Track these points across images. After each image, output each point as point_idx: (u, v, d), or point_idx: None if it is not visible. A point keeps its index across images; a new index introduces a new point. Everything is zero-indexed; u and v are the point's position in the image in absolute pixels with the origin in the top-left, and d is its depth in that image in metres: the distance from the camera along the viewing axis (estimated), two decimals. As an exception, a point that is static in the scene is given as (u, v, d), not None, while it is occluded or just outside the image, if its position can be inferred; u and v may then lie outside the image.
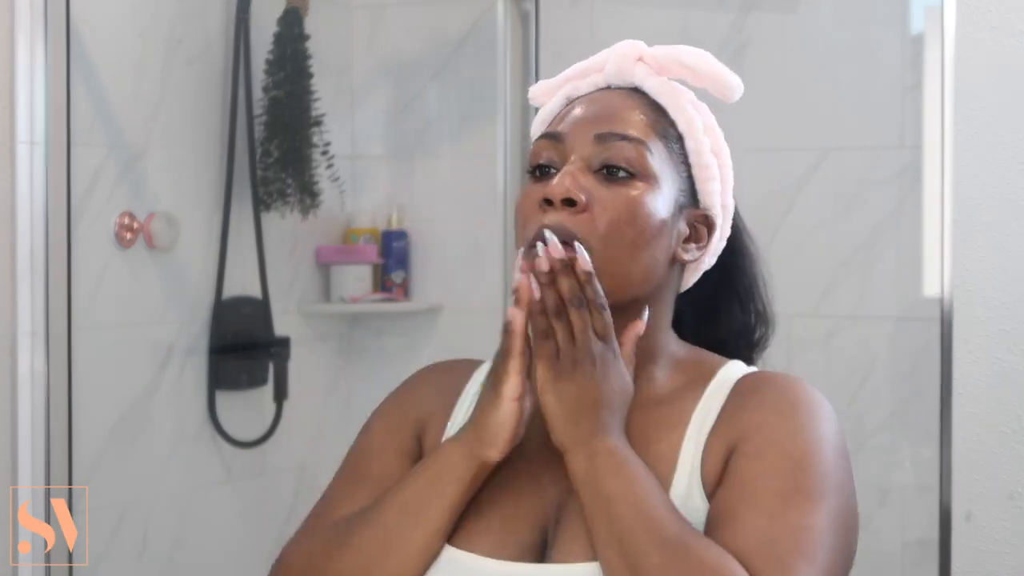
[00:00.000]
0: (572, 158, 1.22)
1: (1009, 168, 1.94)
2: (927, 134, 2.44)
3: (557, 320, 1.15)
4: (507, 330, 1.18)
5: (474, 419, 1.22)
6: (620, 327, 1.21)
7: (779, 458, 1.16)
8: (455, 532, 1.22)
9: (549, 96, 1.34)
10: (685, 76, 1.28)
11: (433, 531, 1.21)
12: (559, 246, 1.15)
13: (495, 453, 1.20)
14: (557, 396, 1.16)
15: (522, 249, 1.20)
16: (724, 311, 1.36)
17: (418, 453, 1.32)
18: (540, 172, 1.25)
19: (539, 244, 1.16)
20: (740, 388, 1.24)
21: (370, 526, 1.23)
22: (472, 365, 1.37)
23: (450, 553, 1.21)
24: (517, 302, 1.17)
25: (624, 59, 1.29)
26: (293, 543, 1.30)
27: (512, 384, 1.19)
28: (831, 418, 1.22)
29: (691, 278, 1.31)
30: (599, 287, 1.16)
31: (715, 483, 1.18)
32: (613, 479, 1.14)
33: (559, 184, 1.20)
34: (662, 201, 1.23)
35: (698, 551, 1.10)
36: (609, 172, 1.22)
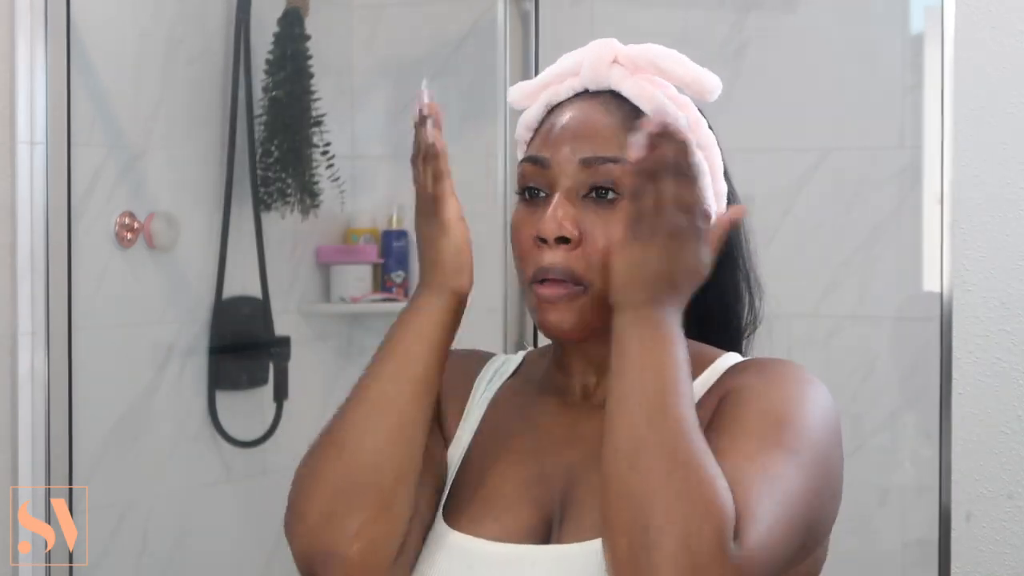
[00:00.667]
0: (559, 189, 1.23)
1: (1009, 168, 1.94)
2: (927, 134, 2.44)
3: (650, 183, 1.13)
4: (430, 153, 1.23)
5: (428, 257, 1.25)
6: None
7: (761, 411, 1.16)
8: (459, 517, 1.23)
9: (529, 100, 1.34)
10: (658, 76, 1.28)
11: (422, 377, 1.23)
12: (668, 110, 1.15)
13: (464, 279, 1.24)
14: (627, 258, 1.14)
15: None
16: (713, 287, 1.36)
17: (437, 423, 1.32)
18: (529, 194, 1.26)
19: (652, 109, 1.16)
20: (733, 367, 1.25)
21: (358, 396, 1.24)
22: (484, 355, 1.39)
23: (454, 537, 1.22)
24: (426, 123, 1.21)
25: (599, 62, 1.28)
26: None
27: (452, 206, 1.23)
28: (819, 389, 1.22)
29: None
30: (694, 161, 1.14)
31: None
32: (646, 349, 1.12)
33: (551, 220, 1.21)
34: None
35: (702, 455, 1.08)
36: (599, 195, 1.23)
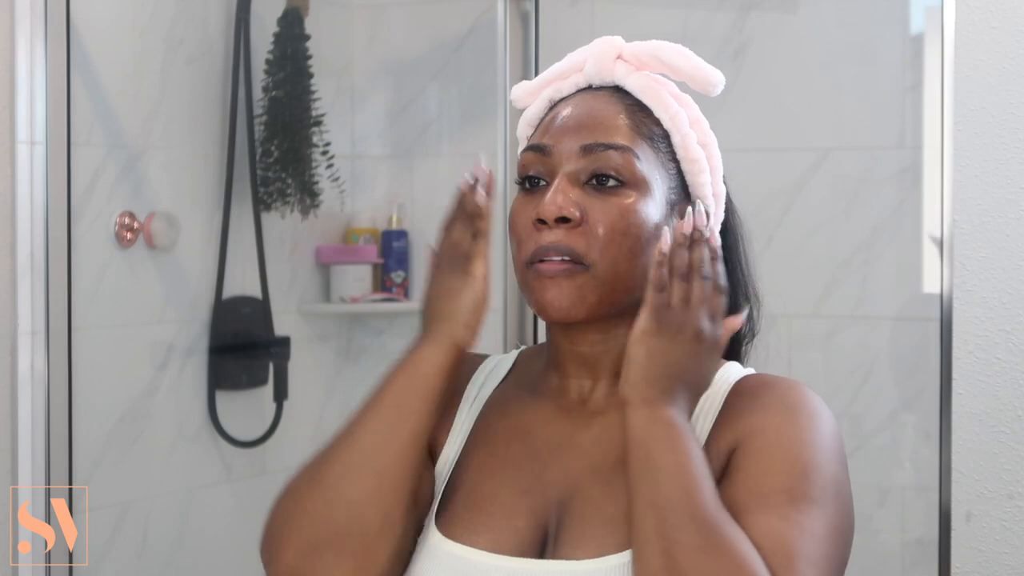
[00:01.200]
0: (560, 173, 1.23)
1: (1009, 168, 1.94)
2: (927, 134, 2.44)
3: (681, 280, 1.17)
4: (478, 214, 1.24)
5: (443, 309, 1.24)
6: (622, 333, 1.22)
7: (784, 461, 1.16)
8: (454, 526, 1.22)
9: (532, 97, 1.34)
10: (664, 72, 1.28)
11: (415, 429, 1.21)
12: (704, 217, 1.18)
13: (470, 335, 1.23)
14: (647, 349, 1.16)
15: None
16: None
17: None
18: (529, 183, 1.26)
19: (689, 208, 1.19)
20: (739, 390, 1.24)
21: (347, 439, 1.22)
22: (479, 358, 1.37)
23: (449, 547, 1.21)
24: (477, 188, 1.24)
25: (603, 58, 1.29)
26: (282, 489, 1.30)
27: (483, 264, 1.23)
28: (831, 422, 1.22)
29: None
30: (722, 271, 1.18)
31: (721, 481, 1.18)
32: (667, 449, 1.13)
33: (551, 203, 1.21)
34: (653, 206, 1.24)
35: (731, 537, 1.10)
36: (599, 182, 1.23)
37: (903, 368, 2.56)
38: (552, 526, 1.21)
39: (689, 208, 1.19)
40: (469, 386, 1.33)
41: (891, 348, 2.59)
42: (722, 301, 1.18)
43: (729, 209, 1.34)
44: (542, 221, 1.21)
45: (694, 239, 1.17)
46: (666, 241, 1.17)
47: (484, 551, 1.19)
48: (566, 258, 1.20)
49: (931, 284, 2.31)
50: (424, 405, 1.22)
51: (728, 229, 1.34)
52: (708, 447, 1.20)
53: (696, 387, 1.18)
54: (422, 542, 1.24)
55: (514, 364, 1.36)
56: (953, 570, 1.95)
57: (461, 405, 1.32)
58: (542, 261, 1.21)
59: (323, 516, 1.20)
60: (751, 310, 1.36)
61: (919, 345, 2.45)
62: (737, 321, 1.21)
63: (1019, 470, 1.93)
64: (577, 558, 1.16)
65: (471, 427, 1.30)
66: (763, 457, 1.17)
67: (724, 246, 1.33)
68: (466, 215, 1.25)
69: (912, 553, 2.49)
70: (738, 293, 1.34)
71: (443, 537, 1.22)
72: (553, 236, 1.20)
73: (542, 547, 1.20)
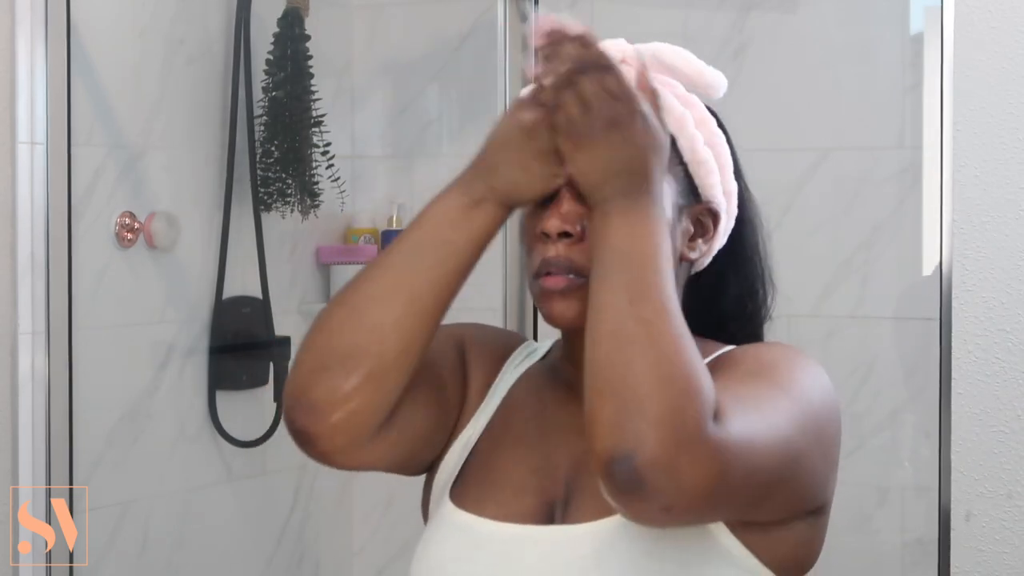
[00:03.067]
0: (564, 187, 1.23)
1: (1009, 168, 1.94)
2: (927, 134, 2.44)
3: (565, 89, 1.12)
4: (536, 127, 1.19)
5: (491, 148, 1.27)
6: None
7: (752, 360, 1.20)
8: (464, 496, 1.25)
9: None
10: (666, 75, 1.29)
11: (452, 269, 1.23)
12: (551, 20, 1.14)
13: (528, 191, 1.21)
14: (581, 167, 1.15)
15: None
16: (732, 280, 1.36)
17: (462, 368, 1.33)
18: (543, 236, 1.26)
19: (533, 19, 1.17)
20: (732, 350, 1.27)
21: (382, 265, 1.25)
22: (519, 340, 1.41)
23: (458, 516, 1.24)
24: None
25: None
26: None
27: (531, 109, 1.17)
28: (816, 365, 1.23)
29: (703, 261, 1.32)
30: (600, 48, 1.14)
31: None
32: (629, 235, 1.13)
33: (554, 217, 1.22)
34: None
35: (686, 338, 1.09)
36: None
37: (903, 368, 2.56)
38: (559, 501, 1.24)
39: (543, 18, 1.16)
40: (507, 364, 1.36)
41: (891, 348, 2.59)
42: (616, 74, 1.12)
43: (744, 200, 1.35)
44: (546, 235, 1.23)
45: (557, 41, 1.13)
46: (531, 66, 1.15)
47: (493, 520, 1.23)
48: (568, 274, 1.22)
49: (931, 284, 2.31)
50: (464, 250, 1.24)
51: (743, 220, 1.35)
52: None
53: (648, 161, 1.14)
54: (436, 512, 1.28)
55: (548, 352, 1.39)
56: (953, 570, 1.95)
57: (496, 381, 1.34)
58: (548, 274, 1.23)
59: (344, 334, 1.20)
60: (766, 297, 1.38)
61: (919, 345, 2.45)
62: (645, 76, 1.18)
63: (1019, 469, 1.93)
64: (579, 522, 1.20)
65: (497, 406, 1.33)
66: (731, 368, 1.19)
67: (739, 237, 1.34)
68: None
69: (912, 553, 2.49)
70: (756, 282, 1.36)
71: (455, 508, 1.25)
72: (555, 251, 1.22)
73: (548, 519, 1.23)
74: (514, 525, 1.22)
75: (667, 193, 1.25)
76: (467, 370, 1.34)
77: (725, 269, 1.35)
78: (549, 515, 1.23)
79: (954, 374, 1.95)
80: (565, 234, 1.22)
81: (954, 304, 1.95)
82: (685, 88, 1.29)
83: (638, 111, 1.13)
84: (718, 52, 2.59)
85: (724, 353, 1.26)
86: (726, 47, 2.60)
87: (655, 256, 1.12)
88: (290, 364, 1.26)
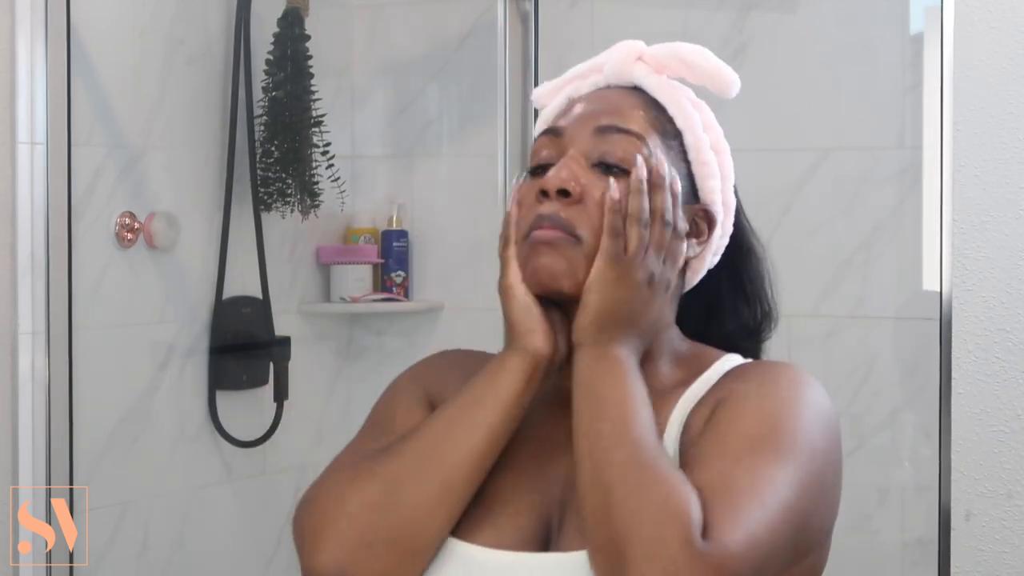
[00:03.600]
0: (570, 151, 1.23)
1: (1009, 168, 1.94)
2: (927, 134, 2.44)
3: (637, 226, 1.18)
4: (505, 221, 1.25)
5: (505, 324, 1.25)
6: None
7: (754, 416, 1.17)
8: (460, 524, 1.22)
9: (551, 97, 1.35)
10: (684, 73, 1.29)
11: (484, 435, 1.20)
12: (664, 162, 1.21)
13: (539, 340, 1.22)
14: (602, 296, 1.18)
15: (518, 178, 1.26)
16: (730, 310, 1.37)
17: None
18: (540, 171, 1.26)
19: (638, 157, 1.21)
20: (731, 371, 1.26)
21: (417, 436, 1.22)
22: (485, 356, 1.36)
23: (453, 545, 1.21)
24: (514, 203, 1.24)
25: (624, 59, 1.30)
26: (318, 480, 1.26)
27: (514, 270, 1.23)
28: (816, 390, 1.21)
29: (694, 277, 1.31)
30: (682, 217, 1.21)
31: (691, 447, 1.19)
32: (610, 384, 1.16)
33: (555, 175, 1.21)
34: None
35: (664, 467, 1.10)
36: (606, 168, 1.23)
37: (903, 368, 2.56)
38: (555, 522, 1.22)
39: (640, 157, 1.21)
40: None
41: (891, 348, 2.59)
42: (680, 246, 1.21)
43: (743, 224, 1.35)
44: (544, 193, 1.22)
45: (654, 183, 1.20)
46: (615, 189, 1.19)
47: (487, 547, 1.20)
48: (562, 231, 1.21)
49: (931, 284, 2.31)
50: (493, 414, 1.21)
51: (742, 247, 1.35)
52: (690, 418, 1.21)
53: (648, 331, 1.21)
54: None
55: None
56: (953, 570, 1.95)
57: None
58: (540, 228, 1.21)
59: (384, 510, 1.19)
60: (764, 324, 1.37)
61: (919, 345, 2.45)
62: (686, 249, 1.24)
63: (1019, 469, 1.93)
64: (573, 549, 1.17)
65: None
66: (732, 415, 1.17)
67: (737, 262, 1.34)
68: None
69: (912, 553, 2.49)
70: (757, 312, 1.36)
71: (447, 537, 1.22)
72: (551, 207, 1.21)
73: (546, 542, 1.21)
74: (510, 553, 1.19)
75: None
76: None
77: (732, 301, 1.35)
78: (545, 537, 1.21)
79: (954, 374, 1.95)
80: (564, 193, 1.21)
81: (954, 304, 1.95)
82: (701, 86, 1.30)
83: (670, 287, 1.22)
84: (718, 52, 2.56)
85: (728, 377, 1.24)
86: (726, 47, 2.60)
87: (633, 404, 1.15)
88: (310, 513, 1.22)
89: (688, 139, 1.27)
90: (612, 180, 1.19)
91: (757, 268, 1.37)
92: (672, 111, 1.28)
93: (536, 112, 1.39)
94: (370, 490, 1.20)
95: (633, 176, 1.20)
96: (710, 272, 1.32)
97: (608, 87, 1.31)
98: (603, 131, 1.23)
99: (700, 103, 1.31)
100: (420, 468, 1.20)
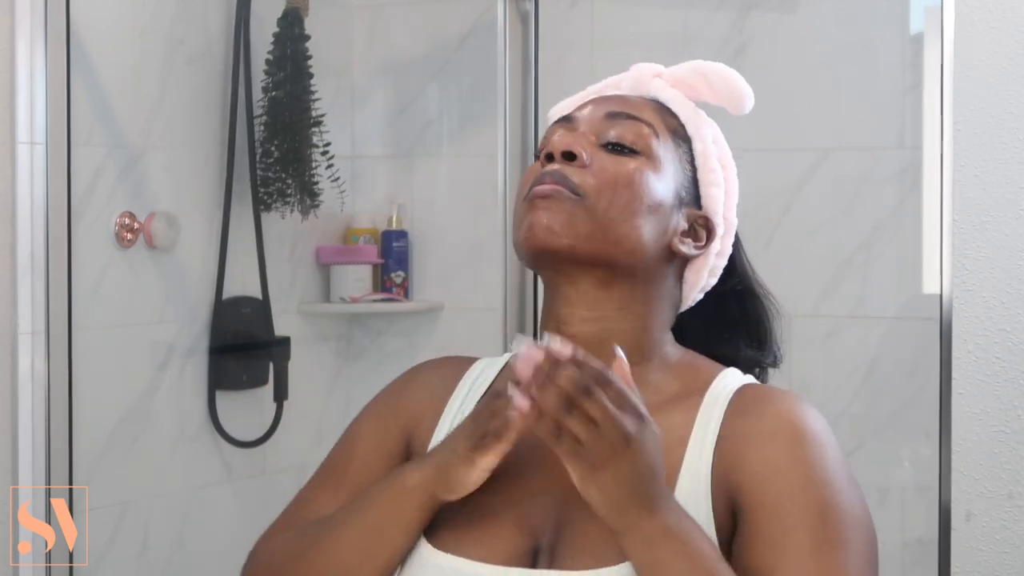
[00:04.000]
0: (581, 129, 1.23)
1: (1009, 168, 1.94)
2: (927, 134, 2.44)
3: (568, 416, 1.06)
4: (508, 421, 1.13)
5: (443, 462, 1.18)
6: (611, 315, 1.22)
7: (801, 511, 1.14)
8: (444, 536, 1.21)
9: (568, 111, 1.35)
10: (702, 86, 1.31)
11: (390, 555, 1.21)
12: (537, 346, 1.07)
13: (453, 498, 1.19)
14: (600, 488, 1.09)
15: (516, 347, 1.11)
16: (733, 348, 1.36)
17: (405, 455, 1.30)
18: (547, 160, 1.25)
19: (515, 353, 1.08)
20: (739, 402, 1.23)
21: (330, 541, 1.23)
22: (465, 363, 1.34)
23: (440, 559, 1.19)
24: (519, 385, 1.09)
25: (642, 75, 1.33)
26: (264, 538, 1.31)
27: (490, 461, 1.15)
28: (835, 446, 1.20)
29: (691, 293, 1.31)
30: (595, 363, 1.08)
31: (722, 496, 1.17)
32: (672, 561, 1.10)
33: (561, 140, 1.21)
34: (663, 184, 1.24)
35: None
36: (614, 148, 1.23)
37: (903, 368, 2.56)
38: (546, 536, 1.19)
39: (524, 345, 1.08)
40: (454, 394, 1.31)
41: (891, 348, 2.59)
42: (618, 386, 1.07)
43: (744, 261, 1.36)
44: (550, 157, 1.21)
45: (549, 370, 1.06)
46: (520, 401, 1.07)
47: (475, 561, 1.18)
48: (563, 188, 1.19)
49: (931, 284, 2.31)
50: (401, 538, 1.21)
51: (749, 291, 1.35)
52: (714, 467, 1.18)
53: (658, 461, 1.11)
54: (411, 555, 1.22)
55: (503, 368, 1.32)
56: (953, 570, 1.95)
57: (445, 413, 1.30)
58: (540, 184, 1.20)
59: None
60: (767, 359, 1.36)
61: (919, 345, 2.45)
62: (622, 365, 1.12)
63: (1019, 470, 1.93)
64: (574, 569, 1.15)
65: None
66: (779, 512, 1.14)
67: (748, 308, 1.35)
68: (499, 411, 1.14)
69: (912, 553, 2.49)
70: (766, 353, 1.36)
71: (434, 549, 1.20)
72: (555, 166, 1.20)
73: (533, 557, 1.18)
74: (499, 568, 1.17)
75: (672, 178, 1.25)
76: (411, 438, 1.31)
77: (733, 336, 1.34)
78: (533, 551, 1.18)
79: (954, 374, 1.95)
80: (570, 156, 1.20)
81: (954, 304, 1.95)
82: (716, 101, 1.32)
83: (644, 417, 1.09)
84: (718, 52, 2.58)
85: (740, 415, 1.21)
86: (726, 47, 2.60)
87: (702, 557, 1.10)
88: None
89: (697, 146, 1.28)
90: (511, 388, 1.08)
91: (764, 315, 1.36)
92: (685, 120, 1.30)
93: (534, 111, 1.40)
94: (299, 568, 1.24)
95: (535, 374, 1.06)
96: (717, 310, 1.33)
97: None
98: (614, 115, 1.24)
99: (711, 122, 1.33)
100: (342, 570, 1.22)
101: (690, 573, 1.10)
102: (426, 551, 1.21)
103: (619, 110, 1.25)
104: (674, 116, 1.29)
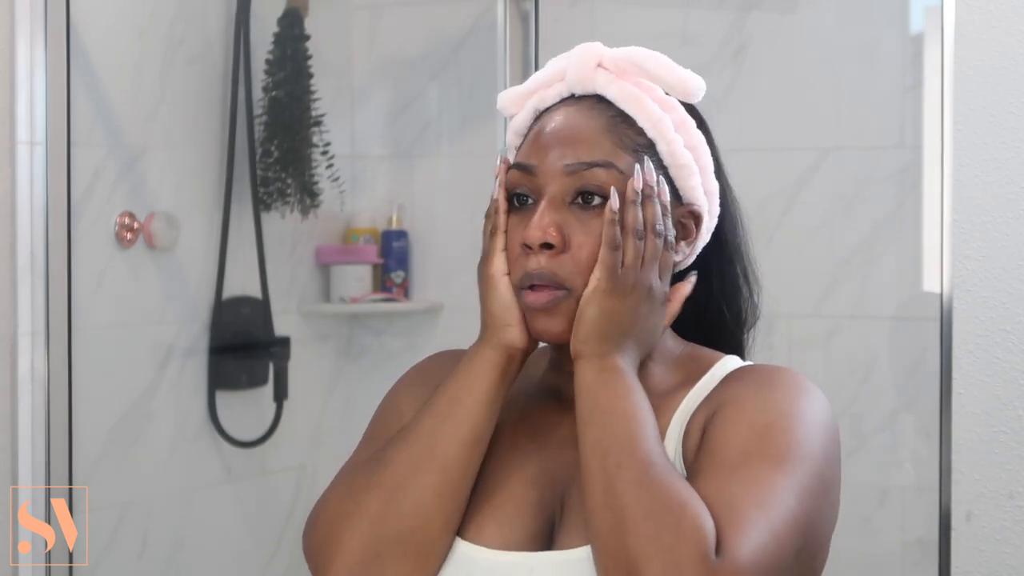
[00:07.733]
0: (546, 195, 1.24)
1: (1009, 168, 1.94)
2: (927, 134, 2.44)
3: (632, 238, 1.20)
4: (493, 210, 1.27)
5: (482, 313, 1.26)
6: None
7: (748, 425, 1.18)
8: (463, 525, 1.23)
9: (516, 106, 1.34)
10: (643, 79, 1.28)
11: (469, 432, 1.23)
12: (653, 172, 1.22)
13: (515, 335, 1.24)
14: (600, 307, 1.20)
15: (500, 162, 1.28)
16: (710, 307, 1.36)
17: None
18: (518, 201, 1.27)
19: (637, 165, 1.22)
20: (729, 376, 1.26)
21: (406, 439, 1.24)
22: None
23: (458, 546, 1.22)
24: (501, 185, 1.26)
25: (584, 66, 1.28)
26: (321, 498, 1.28)
27: (499, 261, 1.25)
28: (813, 395, 1.22)
29: (687, 261, 1.31)
30: (671, 228, 1.23)
31: (694, 457, 1.20)
32: (614, 396, 1.17)
33: (535, 229, 1.22)
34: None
35: (675, 485, 1.11)
36: (584, 199, 1.23)
37: (903, 368, 2.56)
38: (557, 518, 1.22)
39: (637, 165, 1.22)
40: None
41: (891, 348, 2.59)
42: (670, 257, 1.23)
43: (726, 199, 1.34)
44: (528, 246, 1.23)
45: (646, 195, 1.22)
46: (615, 200, 1.21)
47: (493, 548, 1.21)
48: (551, 288, 1.22)
49: (931, 284, 2.31)
50: (474, 407, 1.23)
51: (724, 217, 1.34)
52: (690, 425, 1.22)
53: (645, 341, 1.22)
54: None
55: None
56: (953, 570, 1.96)
57: None
58: (531, 288, 1.23)
59: (386, 517, 1.21)
60: (751, 294, 1.36)
61: (919, 345, 2.45)
62: (687, 287, 1.27)
63: (1019, 470, 1.93)
64: (573, 546, 1.18)
65: None
66: (727, 425, 1.18)
67: (720, 235, 1.33)
68: (488, 211, 1.29)
69: (912, 553, 2.49)
70: (739, 276, 1.36)
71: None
72: (537, 263, 1.22)
73: (550, 540, 1.22)
74: (513, 553, 1.20)
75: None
76: None
77: (709, 268, 1.34)
78: (549, 535, 1.22)
79: (954, 374, 1.95)
80: (547, 245, 1.22)
81: (954, 304, 1.96)
82: (665, 89, 1.29)
83: (664, 299, 1.24)
84: (718, 52, 2.59)
85: (726, 382, 1.25)
86: (726, 47, 2.60)
87: (640, 417, 1.16)
88: (320, 527, 1.24)
89: (661, 147, 1.26)
90: (613, 189, 1.21)
91: (733, 235, 1.35)
92: (640, 121, 1.26)
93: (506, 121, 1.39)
94: (370, 501, 1.21)
95: (629, 187, 1.21)
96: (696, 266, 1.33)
97: (572, 97, 1.29)
98: (574, 169, 1.23)
99: (669, 100, 1.28)
100: (415, 472, 1.21)
101: (625, 407, 1.16)
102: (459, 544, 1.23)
103: (576, 161, 1.23)
104: (630, 121, 1.26)
